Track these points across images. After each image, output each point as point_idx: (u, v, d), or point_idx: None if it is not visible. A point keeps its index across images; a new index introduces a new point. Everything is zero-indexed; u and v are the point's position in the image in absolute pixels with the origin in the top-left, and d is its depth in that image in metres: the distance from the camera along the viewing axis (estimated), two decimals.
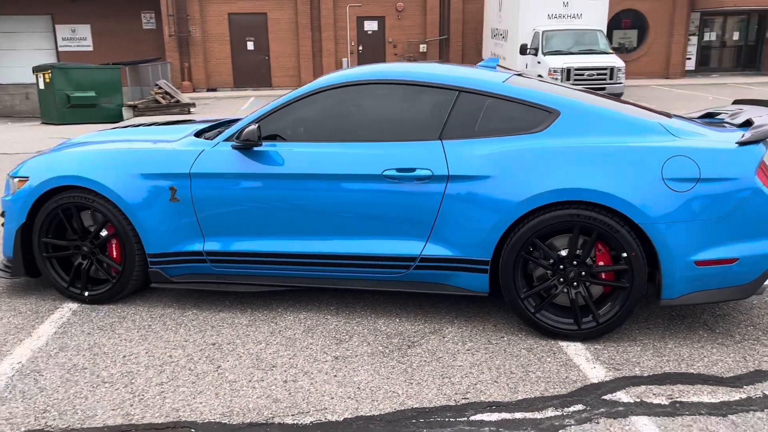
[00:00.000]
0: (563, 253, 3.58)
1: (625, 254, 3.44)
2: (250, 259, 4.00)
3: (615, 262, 3.55)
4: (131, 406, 3.06)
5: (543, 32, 17.01)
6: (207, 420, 2.93)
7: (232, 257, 4.02)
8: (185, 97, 18.87)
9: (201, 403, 3.07)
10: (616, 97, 15.92)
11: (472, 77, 3.86)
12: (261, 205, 3.91)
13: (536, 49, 16.95)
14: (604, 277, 3.57)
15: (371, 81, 3.93)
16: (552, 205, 3.51)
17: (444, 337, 3.71)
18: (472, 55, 23.04)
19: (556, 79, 15.75)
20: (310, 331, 3.82)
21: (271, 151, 3.91)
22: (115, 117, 16.88)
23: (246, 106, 18.55)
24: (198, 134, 4.38)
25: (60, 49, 23.79)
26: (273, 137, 3.98)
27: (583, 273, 3.56)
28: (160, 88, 18.59)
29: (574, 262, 3.56)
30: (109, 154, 4.13)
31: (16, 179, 4.30)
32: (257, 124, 3.86)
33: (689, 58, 23.92)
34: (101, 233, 4.19)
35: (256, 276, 4.06)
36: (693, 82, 22.05)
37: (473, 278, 3.72)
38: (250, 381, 3.26)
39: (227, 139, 4.02)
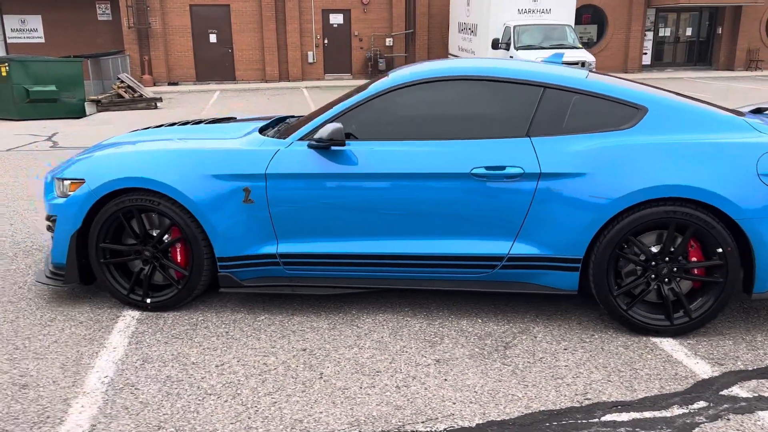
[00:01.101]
0: (655, 249, 3.60)
1: (720, 249, 3.49)
2: (326, 261, 3.89)
3: (706, 258, 3.59)
4: (249, 419, 2.93)
5: (515, 27, 17.19)
6: (336, 431, 2.83)
7: (307, 259, 3.90)
8: (149, 92, 18.30)
9: (321, 413, 2.97)
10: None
11: (556, 73, 3.84)
12: (339, 205, 3.80)
13: (508, 44, 17.11)
14: (696, 272, 3.61)
15: (453, 77, 3.87)
16: (647, 202, 3.52)
17: (535, 337, 3.69)
18: (438, 49, 23.11)
19: None
20: (396, 333, 3.75)
21: (350, 151, 3.80)
22: (78, 112, 16.21)
23: (213, 100, 18.14)
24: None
25: (9, 41, 22.71)
26: (346, 136, 3.87)
27: (676, 269, 3.59)
28: (123, 82, 17.98)
29: (667, 259, 3.58)
30: (176, 154, 3.94)
31: (67, 181, 4.06)
32: (340, 123, 3.74)
33: (645, 53, 24.59)
34: (164, 237, 3.99)
35: (331, 278, 3.96)
36: (650, 77, 22.68)
37: (563, 277, 3.71)
38: (361, 388, 3.17)
39: (302, 139, 3.89)
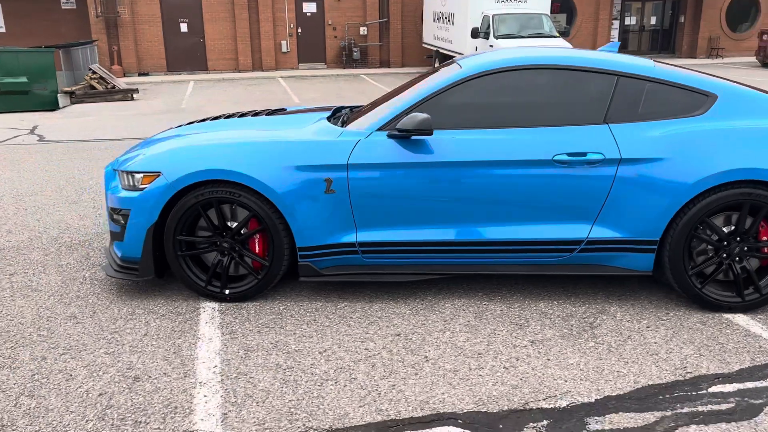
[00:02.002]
0: (726, 229, 3.79)
1: None
2: (404, 248, 3.97)
3: None
4: (375, 401, 3.00)
5: (494, 16, 17.37)
6: (466, 410, 2.93)
7: (386, 247, 3.97)
8: (122, 83, 17.92)
9: (443, 393, 3.06)
10: None
11: (627, 62, 3.98)
12: (420, 194, 3.88)
13: (487, 33, 17.28)
14: (766, 251, 3.81)
15: (528, 66, 3.97)
16: (723, 185, 3.70)
17: (615, 317, 3.85)
18: (412, 38, 23.19)
19: None
20: (480, 317, 3.85)
21: (430, 140, 3.88)
22: (51, 104, 15.78)
23: (189, 91, 17.88)
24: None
25: None
26: None
27: (747, 248, 3.79)
28: (95, 72, 17.56)
29: (738, 238, 3.77)
30: (258, 146, 3.96)
31: (138, 174, 4.03)
32: (425, 113, 3.81)
33: (611, 40, 25.11)
34: (242, 228, 4.02)
35: (408, 265, 4.03)
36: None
37: (639, 258, 3.87)
38: (471, 369, 3.27)
39: (381, 129, 3.95)
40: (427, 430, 2.79)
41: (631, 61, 4.01)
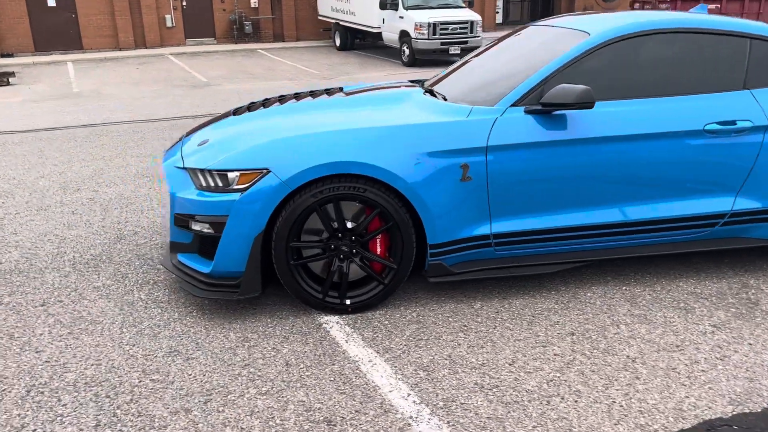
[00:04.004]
0: None
1: None
2: (541, 237, 3.60)
3: None
4: (626, 415, 2.64)
5: None
6: (730, 413, 2.64)
7: (521, 237, 3.58)
8: None
9: (687, 396, 2.75)
10: (472, 50, 16.45)
11: (755, 24, 3.81)
12: (560, 175, 3.51)
13: (395, 4, 16.91)
14: None
15: (660, 30, 3.70)
16: None
17: (763, 290, 3.71)
18: (306, 10, 22.29)
19: (423, 34, 15.93)
20: (635, 303, 3.58)
21: (571, 114, 3.51)
22: None
23: (73, 73, 16.07)
24: None
25: None
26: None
27: None
28: None
29: None
30: (383, 132, 3.40)
31: (233, 173, 3.33)
32: (583, 85, 3.42)
33: (498, 12, 25.68)
34: (364, 227, 3.46)
35: (543, 255, 3.67)
36: (501, 34, 23.76)
37: None
38: (687, 365, 2.99)
39: (516, 104, 3.52)
40: None
41: (757, 24, 3.84)
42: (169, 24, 20.71)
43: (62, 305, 3.71)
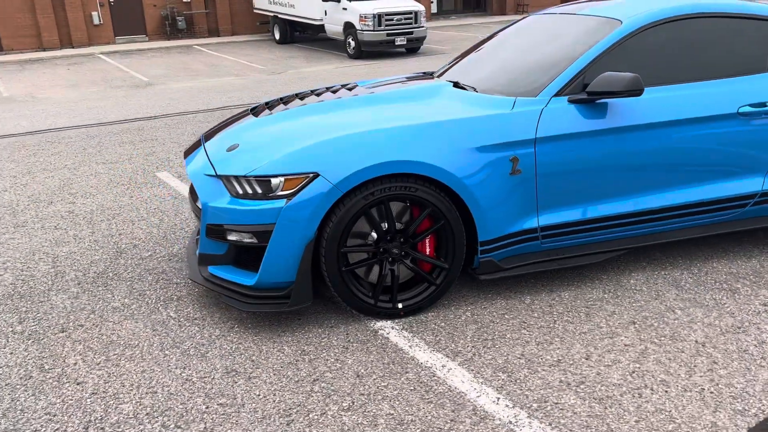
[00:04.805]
0: None
1: None
2: (586, 227, 3.58)
3: None
4: (747, 408, 2.63)
5: None
6: None
7: (567, 228, 3.55)
8: None
9: None
10: (418, 41, 16.38)
11: None
12: (605, 164, 3.50)
13: None
14: None
15: (694, 14, 3.72)
16: None
17: None
18: (240, 3, 21.71)
19: (368, 25, 15.79)
20: (680, 287, 3.61)
21: (613, 103, 3.49)
22: None
23: None
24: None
25: None
26: (584, 89, 3.52)
27: None
28: None
29: None
30: (431, 129, 3.29)
31: (276, 179, 3.15)
32: (619, 72, 3.39)
33: (432, 2, 25.76)
34: (414, 227, 3.34)
35: (588, 245, 3.65)
36: (443, 24, 23.90)
37: None
38: (764, 348, 3.02)
39: (557, 94, 3.47)
40: None
41: None
42: (96, 21, 19.77)
43: (85, 330, 3.43)
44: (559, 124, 3.38)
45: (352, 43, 16.12)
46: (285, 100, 4.14)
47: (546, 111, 3.40)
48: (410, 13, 16.25)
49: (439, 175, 3.20)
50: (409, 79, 4.36)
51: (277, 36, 19.49)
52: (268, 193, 3.17)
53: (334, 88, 4.26)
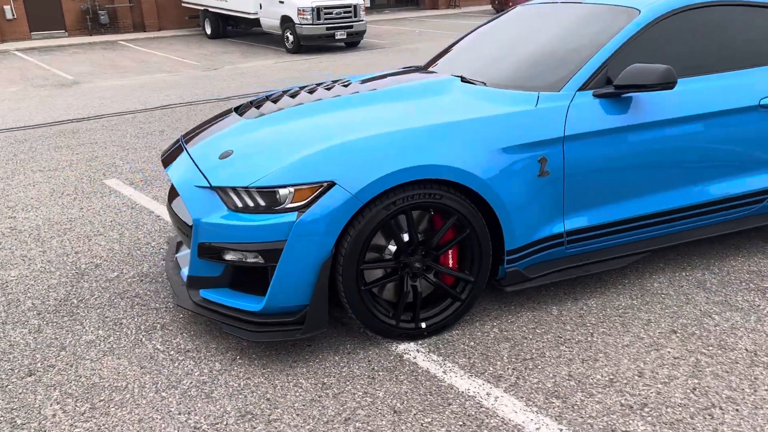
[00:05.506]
0: None
1: None
2: (612, 229, 3.36)
3: None
4: None
5: None
6: None
7: (594, 231, 3.31)
8: None
9: None
10: (358, 35, 16.07)
11: None
12: (634, 162, 3.27)
13: None
14: None
15: (710, 3, 3.53)
16: None
17: None
18: None
19: (306, 19, 15.30)
20: (706, 289, 3.43)
21: (639, 96, 3.27)
22: None
23: None
24: None
25: None
26: (606, 82, 3.29)
27: None
28: None
29: None
30: (451, 128, 2.96)
31: (285, 189, 2.76)
32: (650, 64, 3.17)
33: None
34: (438, 238, 3.02)
35: (613, 247, 3.42)
36: (377, 18, 23.60)
37: None
38: None
39: (582, 88, 3.21)
40: None
41: None
42: (9, 16, 18.44)
43: (58, 371, 2.93)
44: (587, 120, 3.13)
45: (291, 38, 15.58)
46: (273, 99, 3.72)
47: (572, 107, 3.13)
48: (349, 6, 15.85)
49: (468, 181, 2.88)
50: (402, 72, 4.02)
51: (209, 30, 18.70)
52: (274, 205, 2.77)
53: (326, 85, 3.87)
